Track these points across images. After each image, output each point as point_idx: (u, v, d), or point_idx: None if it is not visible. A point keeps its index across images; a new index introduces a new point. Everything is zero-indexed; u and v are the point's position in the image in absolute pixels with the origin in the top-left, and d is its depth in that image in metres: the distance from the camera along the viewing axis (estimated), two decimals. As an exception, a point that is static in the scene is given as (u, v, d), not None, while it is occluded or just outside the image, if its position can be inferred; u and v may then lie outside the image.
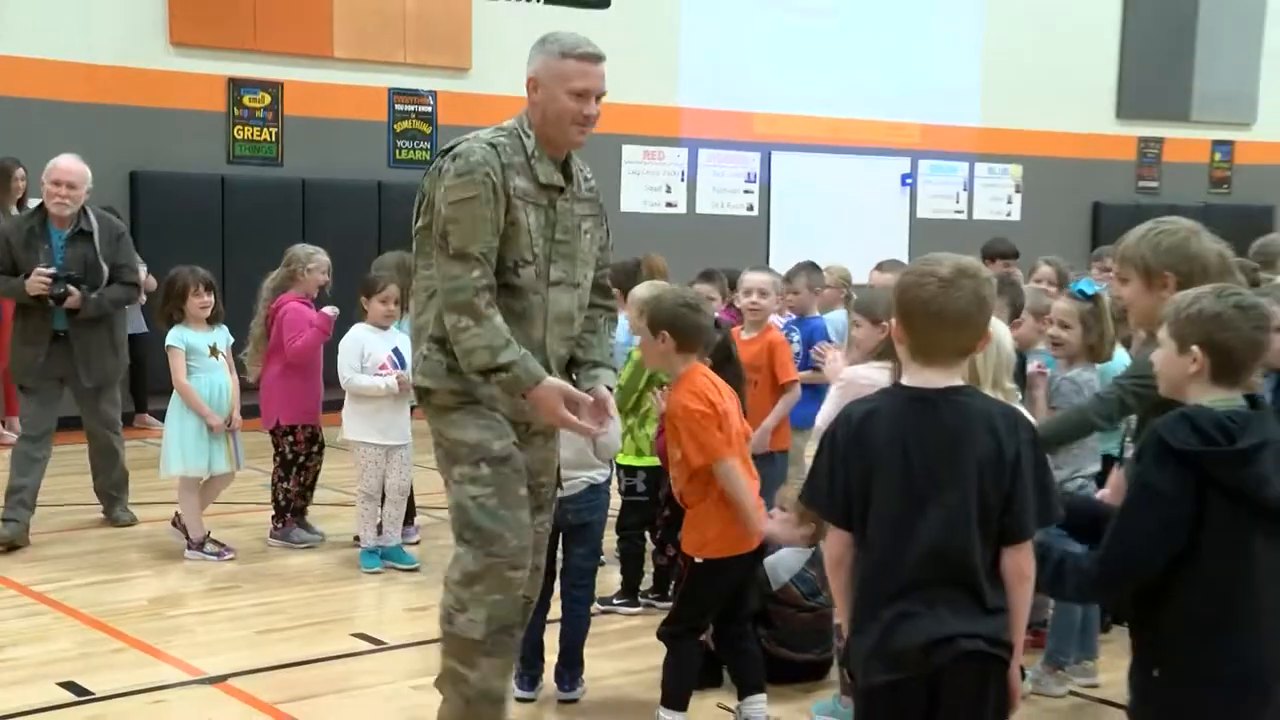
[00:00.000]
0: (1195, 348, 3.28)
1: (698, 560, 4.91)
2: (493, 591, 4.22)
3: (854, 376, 5.21)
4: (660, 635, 4.98)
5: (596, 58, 4.31)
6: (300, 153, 12.79)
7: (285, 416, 7.56)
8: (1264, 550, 3.22)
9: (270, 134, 12.77)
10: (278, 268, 7.78)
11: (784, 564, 5.74)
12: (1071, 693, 5.62)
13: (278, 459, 7.55)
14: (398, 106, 13.34)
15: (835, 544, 3.28)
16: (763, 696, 5.03)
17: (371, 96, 13.14)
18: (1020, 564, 3.16)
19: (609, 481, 5.51)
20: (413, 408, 6.94)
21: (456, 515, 4.28)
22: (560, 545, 5.45)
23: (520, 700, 5.24)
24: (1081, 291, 5.72)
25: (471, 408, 4.28)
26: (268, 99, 12.71)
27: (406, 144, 13.43)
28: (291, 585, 6.99)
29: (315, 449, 7.66)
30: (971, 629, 3.09)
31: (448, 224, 4.14)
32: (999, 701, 3.18)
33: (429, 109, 13.45)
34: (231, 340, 7.56)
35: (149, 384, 10.89)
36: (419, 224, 4.29)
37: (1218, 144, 19.12)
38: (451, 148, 4.23)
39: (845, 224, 15.12)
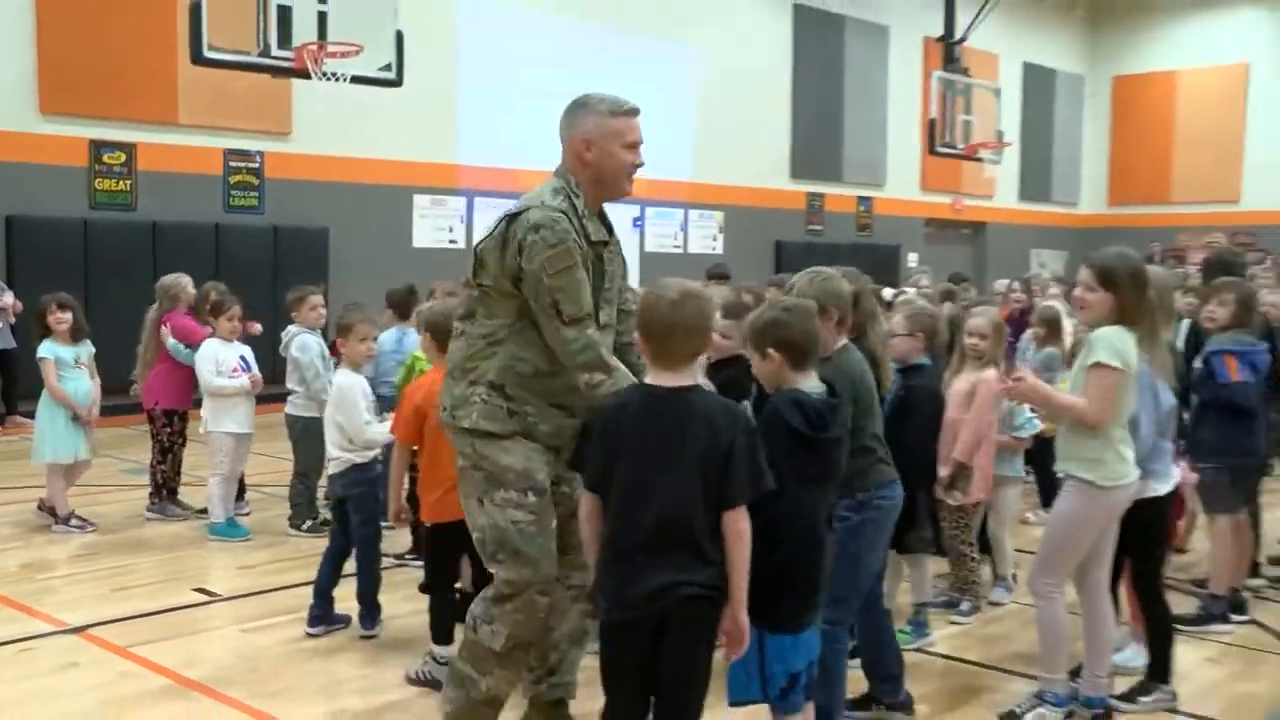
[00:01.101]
0: (770, 349, 3.50)
1: (427, 524, 4.81)
2: (520, 613, 3.77)
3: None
4: (420, 588, 4.93)
5: (637, 111, 3.96)
6: (151, 200, 12.78)
7: (164, 403, 7.51)
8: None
9: (126, 185, 12.70)
10: (153, 302, 7.73)
11: None
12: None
13: (156, 445, 7.56)
14: (231, 163, 13.39)
15: (587, 503, 3.30)
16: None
17: (210, 155, 13.22)
18: (736, 524, 3.17)
19: (376, 461, 5.37)
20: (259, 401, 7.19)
21: (494, 536, 3.77)
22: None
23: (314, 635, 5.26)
24: None
25: (521, 439, 3.80)
26: (123, 156, 12.66)
27: (238, 193, 13.46)
28: (143, 551, 6.81)
29: (182, 440, 7.61)
30: (690, 578, 3.14)
31: (556, 294, 3.62)
32: (711, 634, 3.23)
33: (257, 165, 13.59)
34: (94, 351, 7.47)
35: (18, 390, 10.61)
36: (485, 283, 3.75)
37: (861, 199, 20.66)
38: (518, 214, 3.71)
39: None
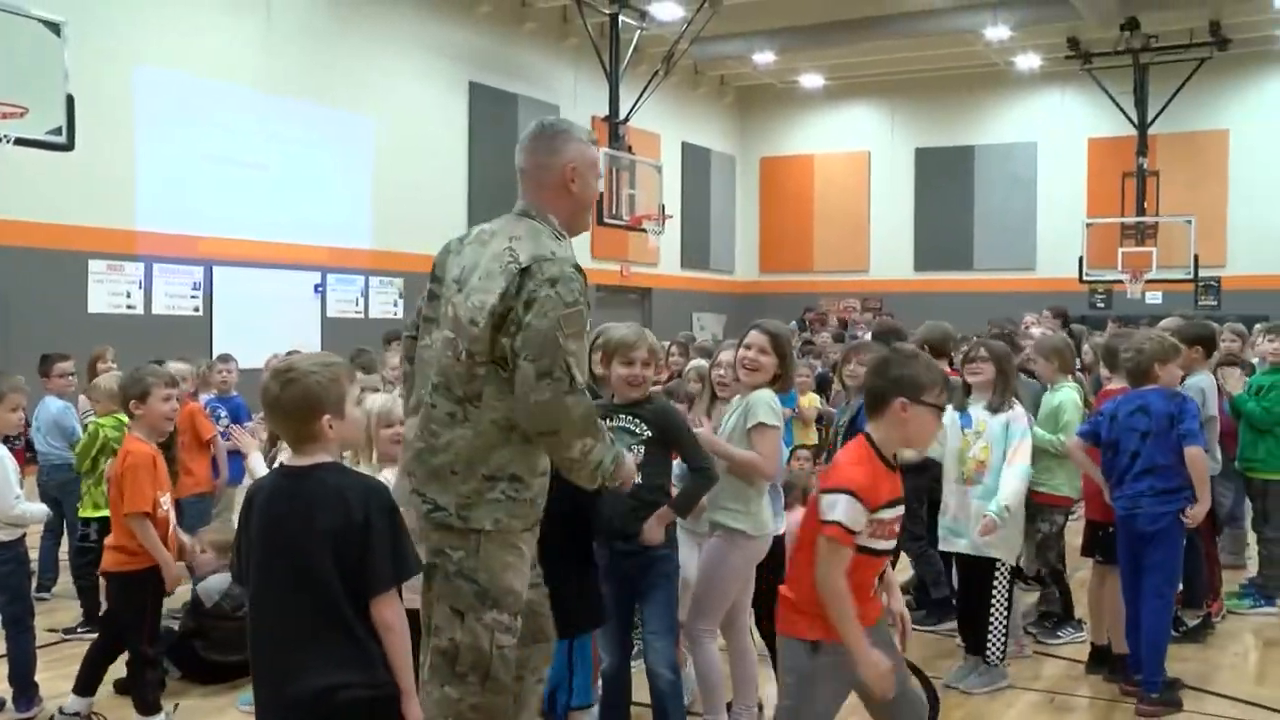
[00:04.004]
0: None
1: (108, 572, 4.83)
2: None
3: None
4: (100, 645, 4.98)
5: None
6: None
7: None
8: None
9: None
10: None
11: (213, 586, 5.72)
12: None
13: None
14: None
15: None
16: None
17: None
18: (380, 614, 2.87)
19: (22, 539, 5.14)
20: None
21: (471, 658, 3.27)
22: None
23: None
24: None
25: (516, 550, 3.32)
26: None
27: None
28: None
29: None
30: (350, 678, 2.82)
31: (569, 357, 3.16)
32: None
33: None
34: None
35: None
36: (500, 356, 3.23)
37: None
38: (528, 267, 3.23)
39: (274, 321, 15.63)
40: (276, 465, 3.17)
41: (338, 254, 17.05)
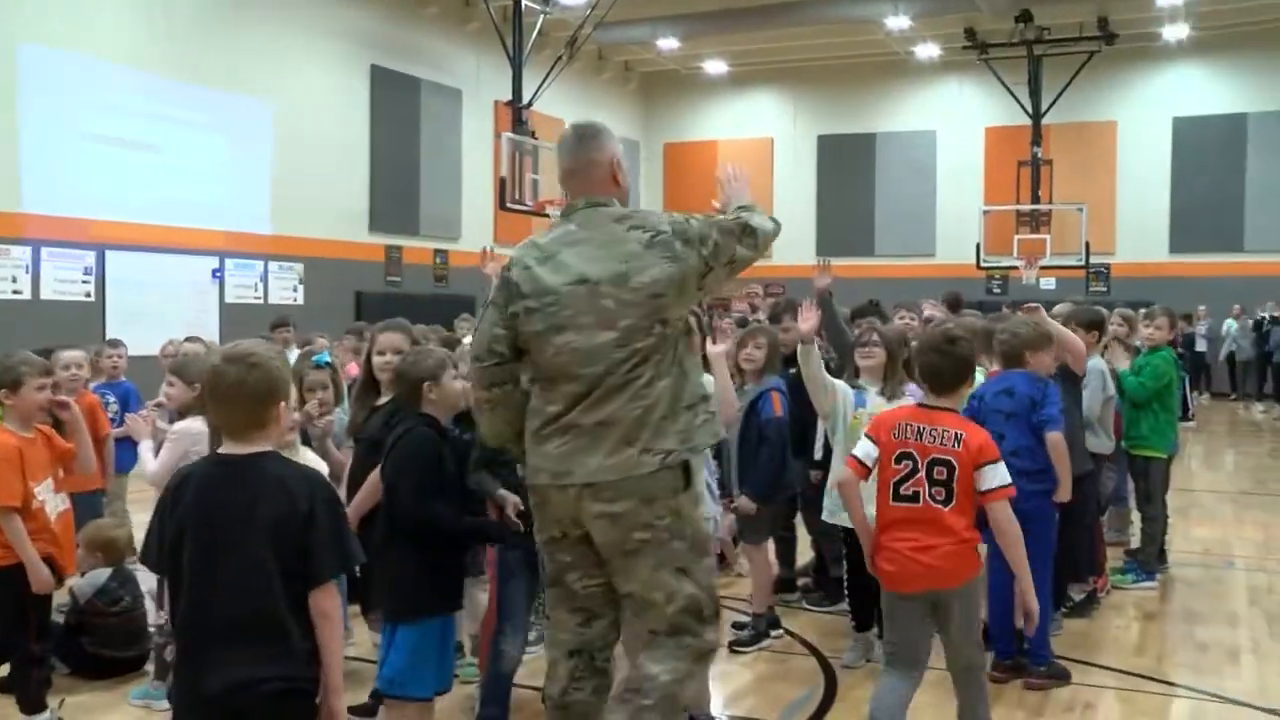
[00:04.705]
0: None
1: None
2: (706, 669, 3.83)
3: (184, 428, 4.95)
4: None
5: None
6: None
7: None
8: None
9: None
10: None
11: (86, 583, 5.62)
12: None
13: None
14: None
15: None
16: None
17: None
18: (320, 604, 2.88)
19: None
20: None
21: (708, 600, 3.61)
22: None
23: None
24: (318, 363, 5.55)
25: (699, 499, 3.70)
26: None
27: None
28: None
29: None
30: (271, 671, 2.81)
31: (742, 232, 3.65)
32: None
33: None
34: None
35: None
36: (671, 317, 3.56)
37: (438, 251, 20.69)
38: (660, 233, 3.56)
39: (171, 307, 15.34)
40: (211, 452, 3.13)
41: (236, 238, 16.73)
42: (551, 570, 3.74)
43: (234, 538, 2.83)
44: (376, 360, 5.04)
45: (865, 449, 4.20)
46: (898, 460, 4.14)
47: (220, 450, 3.02)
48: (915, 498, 4.12)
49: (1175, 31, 22.39)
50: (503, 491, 4.45)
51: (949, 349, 4.22)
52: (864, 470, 4.22)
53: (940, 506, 4.09)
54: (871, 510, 4.31)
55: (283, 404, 3.00)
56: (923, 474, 4.12)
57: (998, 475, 4.09)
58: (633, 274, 3.52)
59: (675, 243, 3.56)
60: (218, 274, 16.53)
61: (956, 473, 4.08)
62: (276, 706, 2.82)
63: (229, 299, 16.68)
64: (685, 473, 3.56)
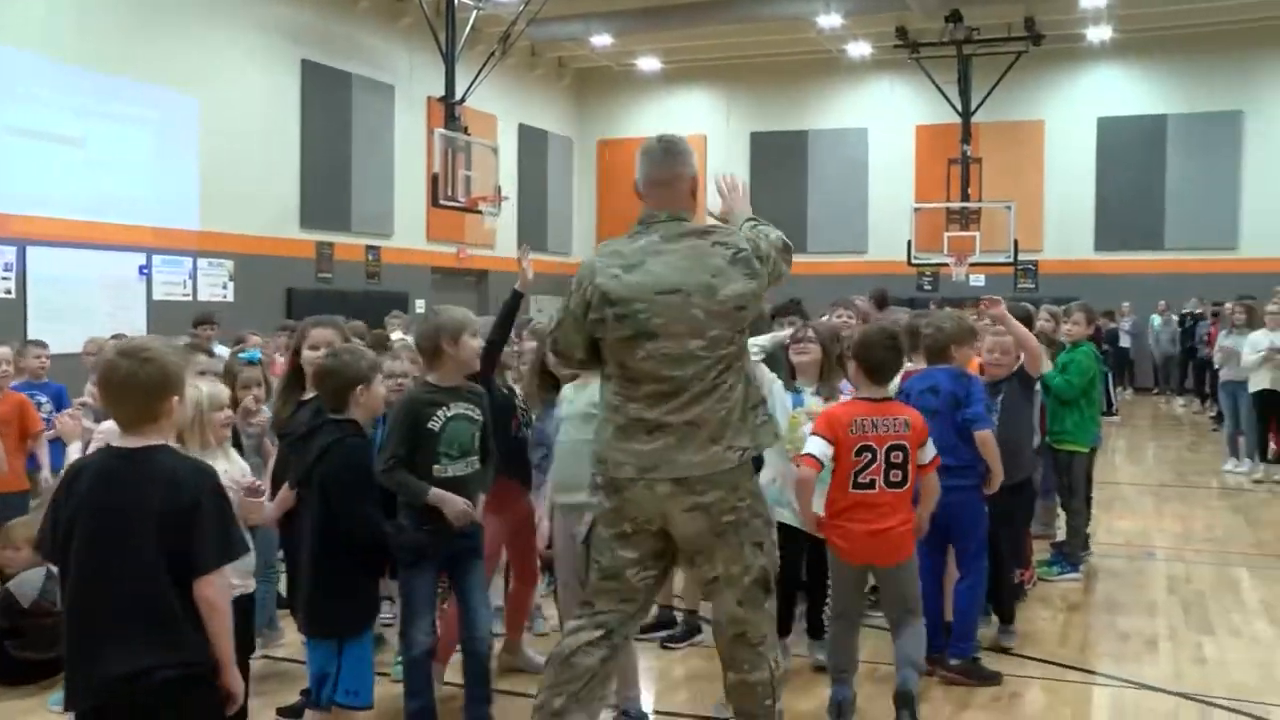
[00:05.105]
0: None
1: None
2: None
3: (110, 428, 4.91)
4: None
5: None
6: None
7: None
8: None
9: None
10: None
11: (28, 583, 5.56)
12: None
13: None
14: None
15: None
16: None
17: None
18: (205, 593, 2.95)
19: None
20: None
21: (773, 571, 4.03)
22: None
23: None
24: (249, 360, 5.53)
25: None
26: None
27: None
28: None
29: None
30: (165, 659, 2.88)
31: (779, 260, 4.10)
32: (204, 713, 3.03)
33: None
34: None
35: None
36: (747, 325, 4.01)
37: (370, 248, 20.71)
38: (742, 249, 3.94)
39: (95, 304, 15.07)
40: (104, 445, 3.18)
41: (164, 235, 16.44)
42: (609, 565, 3.95)
43: (123, 528, 2.88)
44: (308, 355, 5.02)
45: (820, 448, 4.63)
46: (858, 453, 4.65)
47: (113, 444, 3.07)
48: (872, 485, 4.68)
49: (1099, 33, 22.80)
50: (437, 491, 4.44)
51: (893, 344, 4.80)
52: (820, 467, 4.66)
53: (896, 490, 4.69)
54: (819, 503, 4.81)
55: (175, 398, 3.05)
56: (881, 462, 4.66)
57: (930, 450, 4.80)
58: (719, 287, 3.85)
59: (753, 260, 3.92)
60: (145, 271, 16.24)
61: (909, 454, 4.69)
62: (174, 693, 2.89)
63: (157, 296, 16.33)
64: (755, 466, 4.06)
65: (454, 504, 4.45)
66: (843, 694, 4.86)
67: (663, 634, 6.08)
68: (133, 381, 2.97)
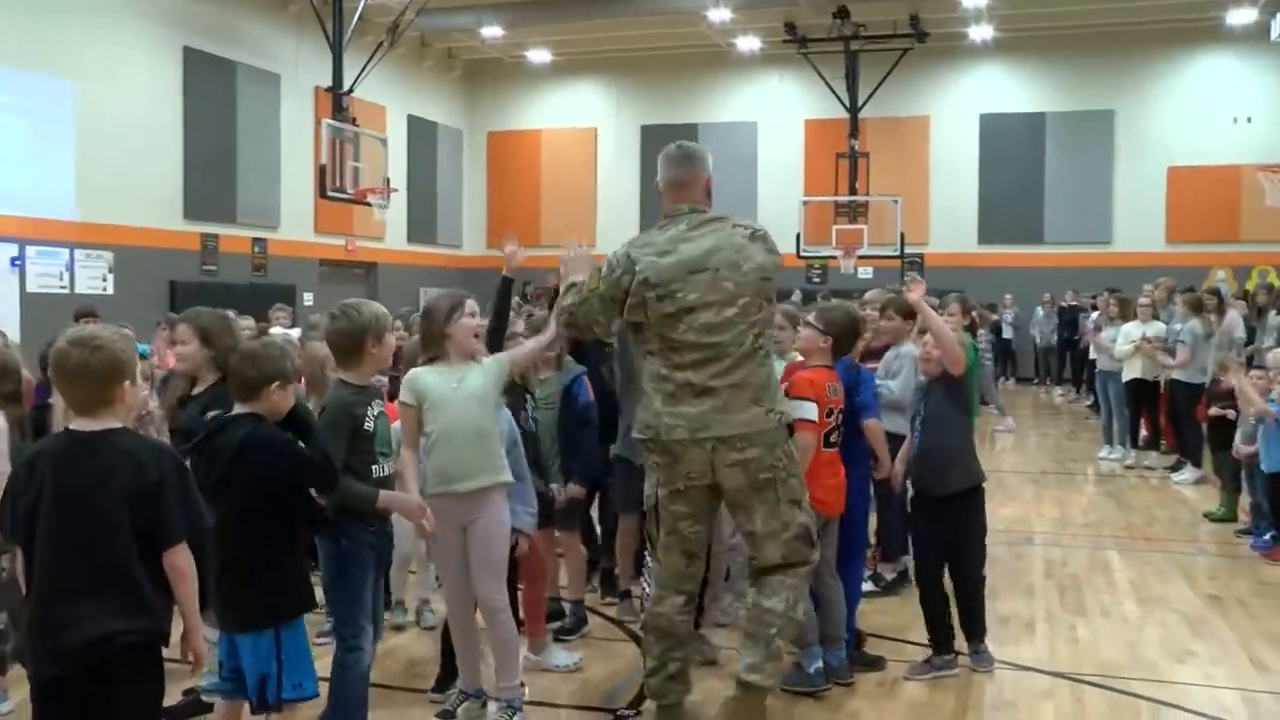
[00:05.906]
0: None
1: None
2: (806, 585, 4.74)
3: None
4: None
5: None
6: None
7: None
8: None
9: None
10: None
11: None
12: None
13: None
14: None
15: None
16: None
17: None
18: (175, 561, 3.19)
19: None
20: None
21: (811, 524, 4.57)
22: None
23: None
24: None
25: None
26: None
27: None
28: None
29: None
30: (130, 625, 3.08)
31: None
32: (158, 679, 3.24)
33: None
34: None
35: None
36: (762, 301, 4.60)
37: (256, 240, 20.35)
38: (762, 231, 4.69)
39: None
40: (63, 428, 3.33)
41: (38, 225, 15.95)
42: (667, 520, 4.50)
43: (89, 505, 3.08)
44: (178, 350, 4.87)
45: (813, 410, 5.07)
46: (829, 414, 5.19)
47: (71, 427, 3.24)
48: (835, 444, 5.26)
49: (980, 32, 23.35)
50: (386, 493, 4.29)
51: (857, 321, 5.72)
52: (820, 430, 5.15)
53: (837, 449, 5.28)
54: None
55: (127, 383, 3.23)
56: (837, 423, 5.26)
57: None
58: (743, 261, 4.49)
59: (769, 238, 4.64)
60: (17, 262, 15.73)
61: (837, 417, 5.28)
62: (136, 658, 3.08)
63: (31, 289, 15.87)
64: (788, 428, 4.57)
65: (407, 503, 4.38)
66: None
67: (554, 625, 6.08)
68: (86, 369, 3.16)
